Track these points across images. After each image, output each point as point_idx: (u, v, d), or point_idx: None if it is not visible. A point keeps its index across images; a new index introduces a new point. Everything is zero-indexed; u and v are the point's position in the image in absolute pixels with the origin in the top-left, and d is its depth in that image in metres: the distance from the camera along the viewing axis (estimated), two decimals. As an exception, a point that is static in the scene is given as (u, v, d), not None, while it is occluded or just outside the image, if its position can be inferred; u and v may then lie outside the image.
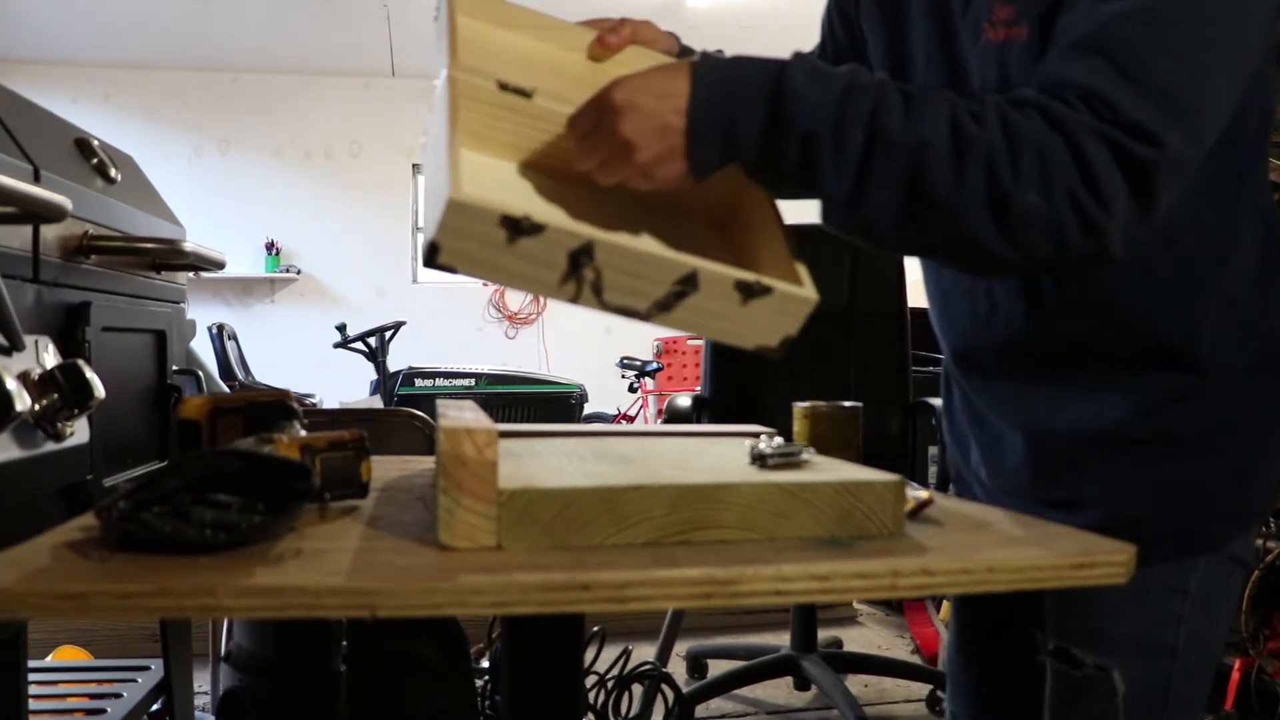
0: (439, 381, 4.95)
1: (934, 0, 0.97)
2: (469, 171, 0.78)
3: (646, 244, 0.78)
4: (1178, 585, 0.92)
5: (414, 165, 7.04)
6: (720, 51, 0.89)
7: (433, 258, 0.69)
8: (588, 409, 5.31)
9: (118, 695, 1.43)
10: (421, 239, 0.85)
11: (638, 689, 1.99)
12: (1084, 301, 0.91)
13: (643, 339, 6.97)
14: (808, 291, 0.76)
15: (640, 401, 6.56)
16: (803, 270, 0.79)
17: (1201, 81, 0.75)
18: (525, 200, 0.83)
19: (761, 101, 0.76)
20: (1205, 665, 0.95)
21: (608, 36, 0.94)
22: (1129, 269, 0.84)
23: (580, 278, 0.71)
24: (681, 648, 2.68)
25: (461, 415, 0.76)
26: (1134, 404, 0.91)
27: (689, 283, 0.73)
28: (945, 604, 2.90)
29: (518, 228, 0.68)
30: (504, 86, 0.85)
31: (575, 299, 0.72)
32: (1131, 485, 0.92)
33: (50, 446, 0.97)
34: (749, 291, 0.74)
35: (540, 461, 0.78)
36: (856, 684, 2.67)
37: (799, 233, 0.83)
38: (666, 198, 0.87)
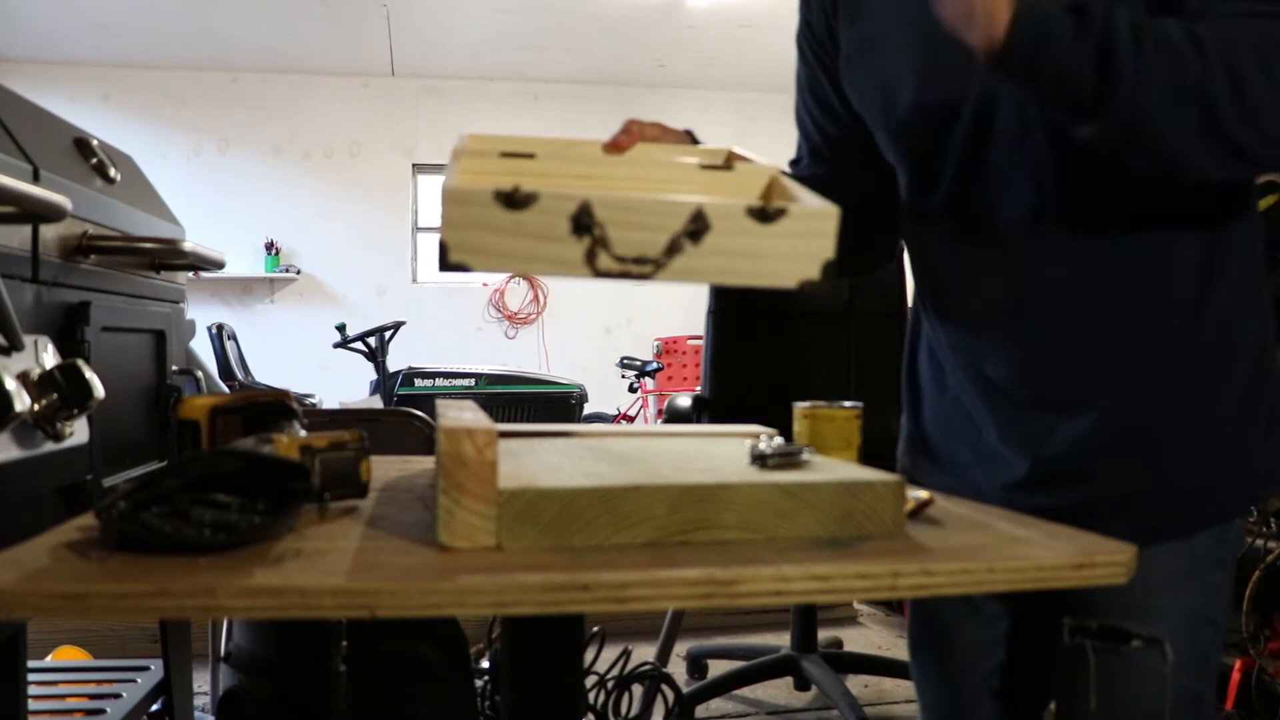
0: (439, 381, 4.95)
1: (915, 35, 0.99)
2: (464, 170, 0.79)
3: (645, 194, 0.78)
4: (1220, 556, 0.98)
5: (414, 165, 7.04)
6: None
7: (446, 257, 0.69)
8: (588, 409, 5.31)
9: (117, 695, 1.43)
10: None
11: (638, 689, 1.99)
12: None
13: (643, 339, 6.98)
14: (825, 203, 0.74)
15: (640, 401, 6.56)
16: (817, 197, 0.78)
17: None
18: (515, 179, 0.83)
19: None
20: (1224, 636, 1.01)
21: (618, 138, 0.95)
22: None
23: (591, 239, 0.70)
24: (681, 648, 2.68)
25: (461, 415, 0.76)
26: (1169, 373, 0.95)
27: (699, 220, 0.71)
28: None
29: (511, 200, 0.69)
30: (507, 154, 0.87)
31: (593, 264, 0.71)
32: (1179, 438, 0.96)
33: (50, 446, 0.96)
34: (764, 216, 0.72)
35: (540, 461, 0.78)
36: (857, 684, 2.67)
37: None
38: (657, 169, 0.90)
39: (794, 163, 1.23)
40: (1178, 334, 0.95)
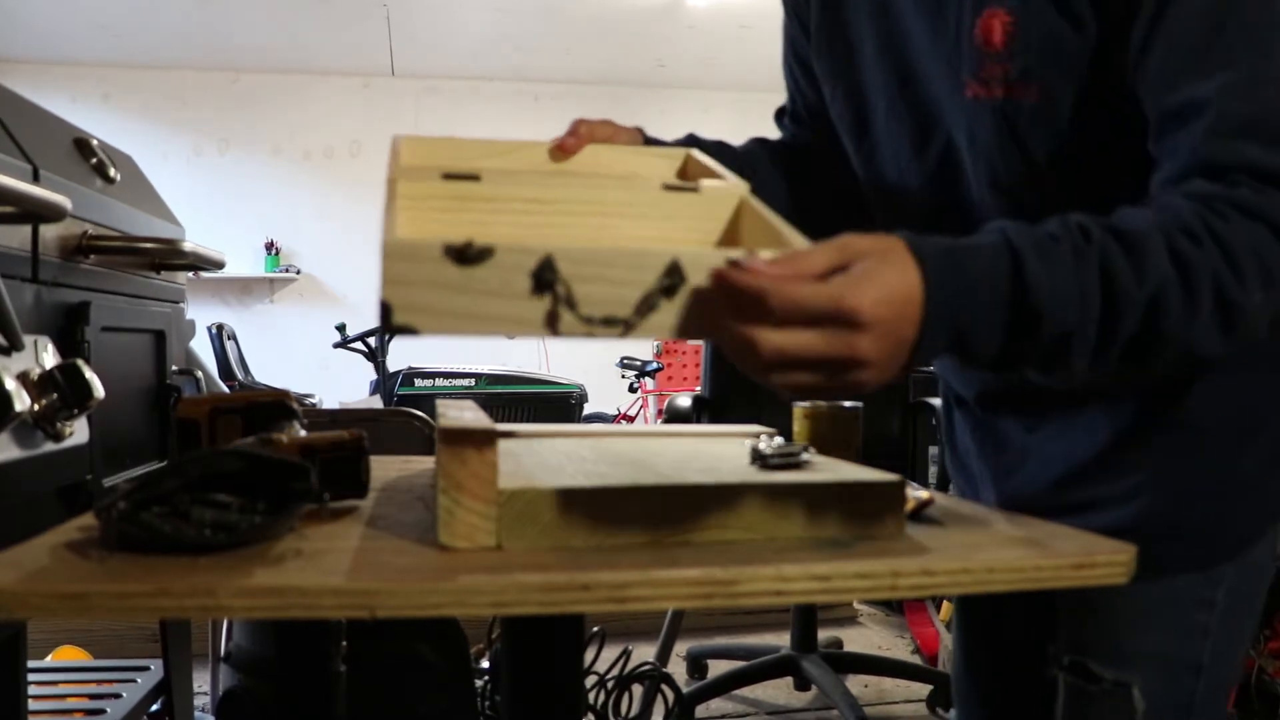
0: (439, 381, 4.95)
1: (887, 49, 0.95)
2: (404, 222, 0.73)
3: (612, 246, 0.68)
4: (1205, 596, 0.89)
5: (414, 165, 7.04)
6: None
7: (388, 320, 0.61)
8: (588, 409, 5.30)
9: (117, 695, 1.43)
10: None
11: (638, 689, 1.99)
12: None
13: (643, 339, 6.96)
14: (804, 242, 0.69)
15: (640, 401, 6.56)
16: (788, 228, 0.72)
17: None
18: (464, 221, 0.78)
19: (1004, 304, 0.68)
20: (1228, 681, 0.92)
21: (565, 140, 0.91)
22: None
23: (553, 297, 0.62)
24: (681, 648, 2.68)
25: (461, 415, 0.76)
26: (1152, 384, 0.89)
27: (674, 274, 0.63)
28: (945, 604, 2.90)
29: (464, 256, 0.61)
30: (449, 176, 0.78)
31: (554, 326, 0.63)
32: (1154, 480, 0.90)
33: (50, 446, 0.96)
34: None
35: (540, 461, 0.78)
36: (856, 684, 2.67)
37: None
38: (615, 189, 0.82)
39: (778, 115, 1.19)
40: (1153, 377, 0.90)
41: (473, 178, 0.80)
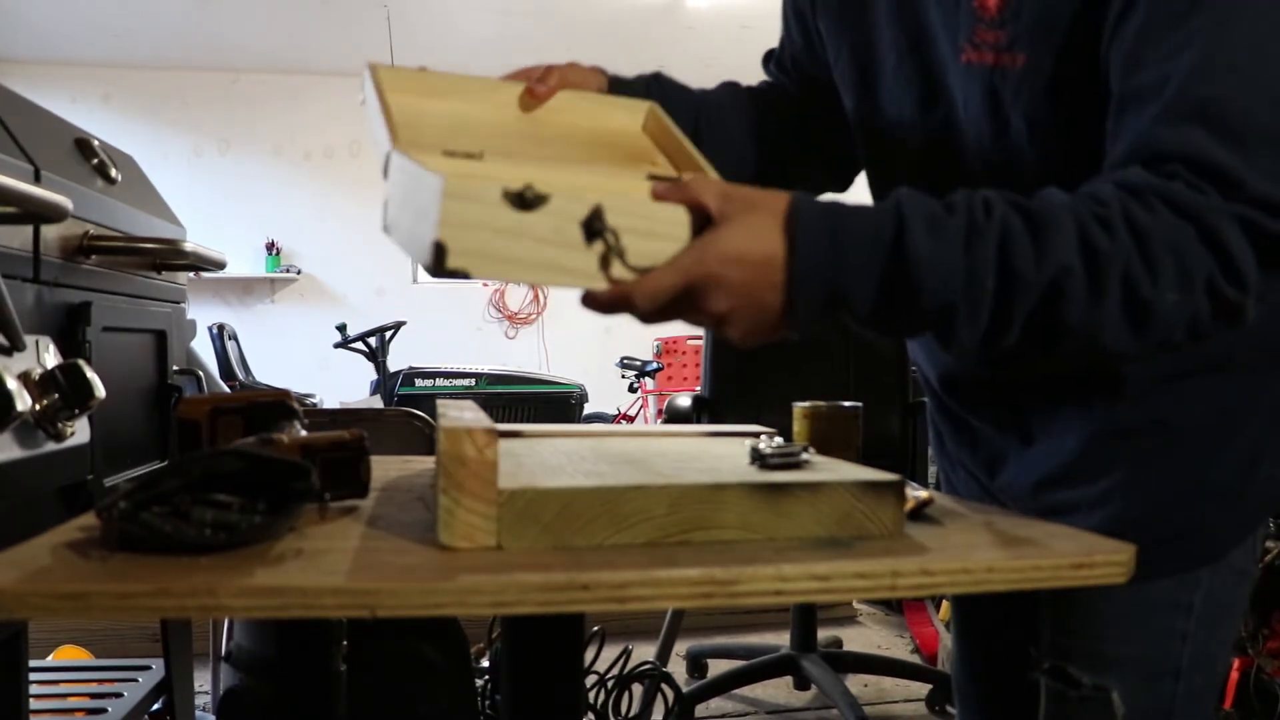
0: (439, 381, 4.95)
1: (902, 7, 0.94)
2: (404, 139, 0.75)
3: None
4: (1181, 600, 0.88)
5: (414, 165, 7.03)
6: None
7: (441, 261, 0.62)
8: (588, 409, 5.31)
9: (118, 695, 1.43)
10: (418, 253, 0.77)
11: (638, 689, 1.99)
12: None
13: (643, 339, 6.97)
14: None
15: (640, 401, 6.56)
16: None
17: None
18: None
19: (877, 271, 0.69)
20: (1210, 686, 0.92)
21: (536, 87, 0.92)
22: None
23: (604, 245, 0.65)
24: (681, 648, 2.68)
25: (461, 415, 0.76)
26: (1125, 384, 0.87)
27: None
28: (945, 604, 2.90)
29: (522, 200, 0.63)
30: (451, 154, 0.79)
31: (607, 273, 0.66)
32: (1129, 483, 0.89)
33: (50, 446, 0.97)
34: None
35: (540, 461, 0.78)
36: (856, 684, 2.67)
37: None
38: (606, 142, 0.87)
39: (766, 59, 1.17)
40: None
41: (474, 157, 0.81)
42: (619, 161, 0.90)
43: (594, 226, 0.65)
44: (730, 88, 1.12)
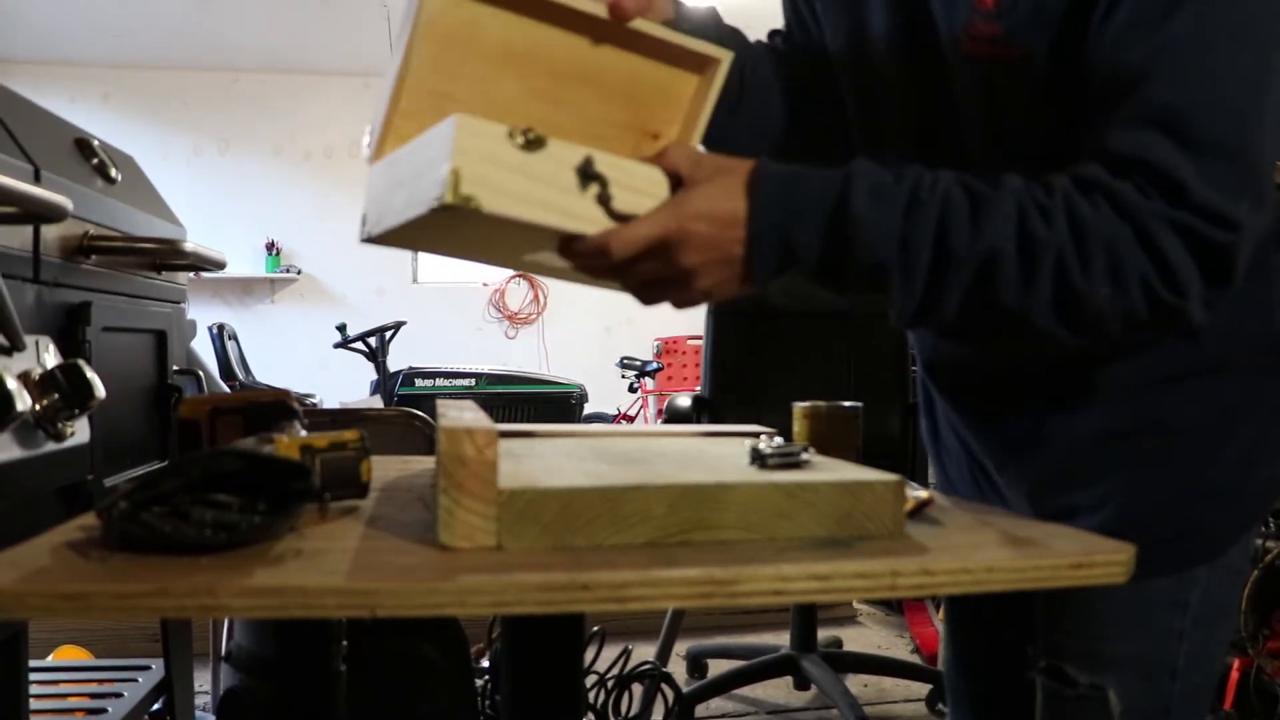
0: (439, 381, 4.95)
1: None
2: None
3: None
4: (1179, 600, 0.88)
5: (414, 165, 7.03)
6: None
7: (456, 186, 0.66)
8: (588, 409, 5.31)
9: (118, 695, 1.43)
10: (425, 195, 0.71)
11: (638, 689, 1.99)
12: None
13: (643, 339, 6.98)
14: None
15: (640, 401, 6.56)
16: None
17: (1260, 131, 0.73)
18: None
19: (822, 227, 0.74)
20: (1206, 684, 0.92)
21: (625, 2, 0.84)
22: None
23: (600, 187, 0.71)
24: (681, 648, 2.68)
25: (461, 415, 0.76)
26: (1123, 385, 0.88)
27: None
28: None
29: (525, 140, 0.69)
30: (512, 134, 0.76)
31: (608, 207, 0.72)
32: (1129, 484, 0.89)
33: (50, 446, 0.97)
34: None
35: (540, 461, 0.78)
36: (856, 684, 2.67)
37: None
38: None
39: (772, 36, 1.13)
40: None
41: (540, 143, 0.78)
42: (627, 127, 0.93)
43: (588, 172, 0.71)
44: (768, 49, 1.09)
